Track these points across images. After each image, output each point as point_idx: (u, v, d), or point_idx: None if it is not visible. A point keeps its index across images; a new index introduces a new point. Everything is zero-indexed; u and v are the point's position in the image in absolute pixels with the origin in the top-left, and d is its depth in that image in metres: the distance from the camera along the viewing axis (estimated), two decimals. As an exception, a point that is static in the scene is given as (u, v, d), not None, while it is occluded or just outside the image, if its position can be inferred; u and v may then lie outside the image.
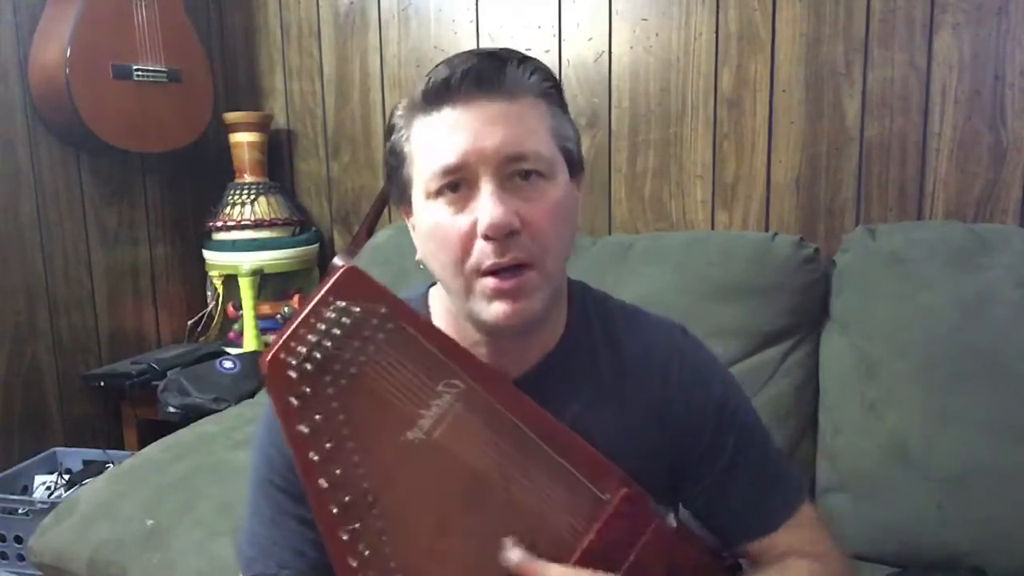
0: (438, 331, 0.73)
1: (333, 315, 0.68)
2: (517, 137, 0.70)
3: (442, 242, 0.71)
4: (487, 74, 0.70)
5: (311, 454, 0.66)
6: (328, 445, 0.67)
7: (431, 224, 0.72)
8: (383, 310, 0.69)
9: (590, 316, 0.82)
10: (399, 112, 0.76)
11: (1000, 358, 1.26)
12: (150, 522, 1.26)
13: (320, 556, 0.75)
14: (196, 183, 2.21)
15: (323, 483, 0.66)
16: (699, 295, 1.46)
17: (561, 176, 0.73)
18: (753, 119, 1.75)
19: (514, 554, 0.68)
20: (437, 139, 0.71)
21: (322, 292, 0.68)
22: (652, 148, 1.84)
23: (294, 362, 0.66)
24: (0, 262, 1.75)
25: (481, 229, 0.68)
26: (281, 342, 0.67)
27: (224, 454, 1.41)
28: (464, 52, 0.72)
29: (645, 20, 1.80)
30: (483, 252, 0.69)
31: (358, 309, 0.68)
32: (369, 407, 0.68)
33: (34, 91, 1.80)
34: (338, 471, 0.67)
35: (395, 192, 0.79)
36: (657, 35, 1.80)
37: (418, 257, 0.78)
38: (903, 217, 1.67)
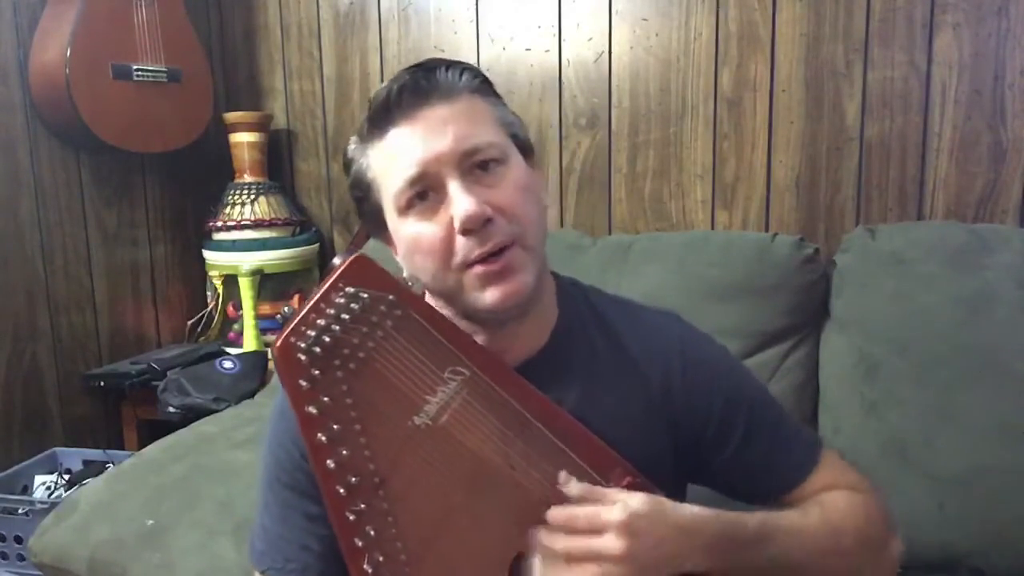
0: (444, 318, 0.74)
1: (342, 300, 0.69)
2: (466, 133, 0.73)
3: (426, 250, 0.73)
4: (420, 84, 0.73)
5: (319, 435, 0.68)
6: (336, 427, 0.68)
7: (410, 238, 0.75)
8: (391, 297, 0.71)
9: (580, 308, 0.84)
10: (352, 147, 0.79)
11: (1000, 358, 1.27)
12: (150, 522, 1.26)
13: (325, 550, 0.78)
14: (196, 183, 2.21)
15: (331, 464, 0.68)
16: (699, 295, 1.46)
17: (515, 159, 0.76)
18: (753, 119, 1.75)
19: (573, 485, 0.69)
20: (394, 158, 0.74)
21: (332, 278, 0.70)
22: (652, 148, 1.84)
23: (303, 345, 0.68)
24: (0, 262, 1.75)
25: (459, 225, 0.71)
26: (292, 326, 0.68)
27: (224, 454, 1.41)
28: (397, 73, 0.75)
29: (645, 20, 1.80)
30: (466, 246, 0.72)
31: (367, 295, 0.70)
32: (376, 391, 0.70)
33: (34, 91, 1.79)
34: (345, 452, 0.68)
35: (370, 223, 0.82)
36: (657, 35, 1.80)
37: (406, 275, 0.80)
38: (903, 217, 1.67)
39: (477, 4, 1.94)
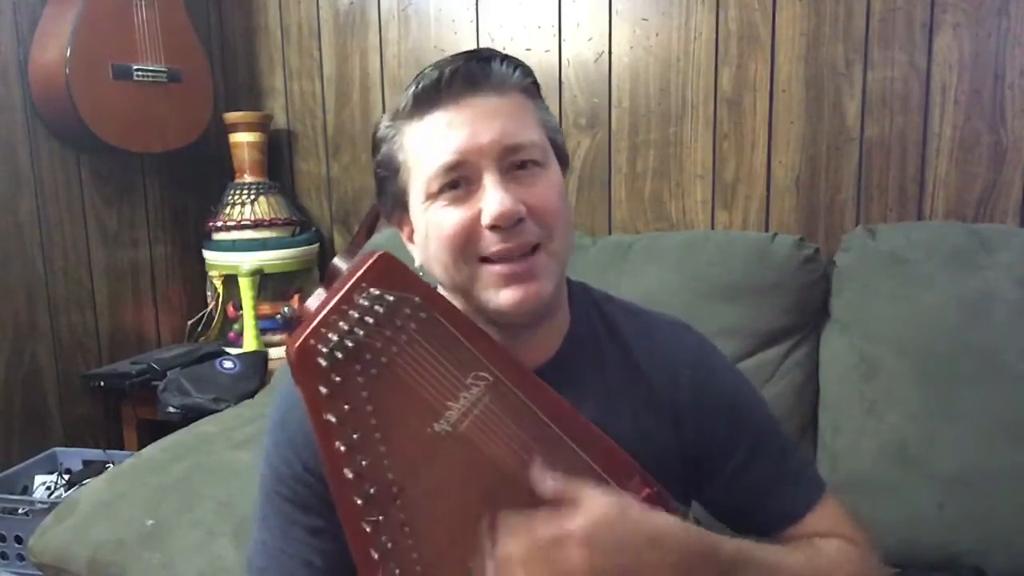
0: (468, 320, 0.71)
1: (366, 303, 0.65)
2: (513, 129, 0.71)
3: (445, 238, 0.71)
4: (475, 73, 0.72)
5: (338, 444, 0.64)
6: (355, 436, 0.65)
7: (432, 223, 0.72)
8: (416, 299, 0.67)
9: (592, 316, 0.83)
10: (385, 124, 0.76)
11: (1000, 358, 1.27)
12: (150, 522, 1.25)
13: (328, 565, 0.76)
14: (196, 183, 2.21)
15: (348, 473, 0.65)
16: (699, 295, 1.46)
17: (554, 164, 0.75)
18: (753, 119, 1.75)
19: (548, 483, 0.64)
20: (434, 140, 0.71)
21: (355, 278, 0.66)
22: (652, 148, 1.84)
23: (324, 350, 0.64)
24: (0, 262, 1.75)
25: (489, 219, 0.69)
26: (311, 328, 0.64)
27: (224, 454, 1.41)
28: (448, 56, 0.73)
29: (645, 20, 1.80)
30: (489, 239, 0.70)
31: (392, 298, 0.66)
32: (397, 398, 0.66)
33: (34, 91, 1.79)
34: (364, 462, 0.65)
35: (388, 204, 0.79)
36: (657, 35, 1.80)
37: (418, 264, 0.78)
38: (903, 217, 1.67)
39: (477, 4, 1.94)
